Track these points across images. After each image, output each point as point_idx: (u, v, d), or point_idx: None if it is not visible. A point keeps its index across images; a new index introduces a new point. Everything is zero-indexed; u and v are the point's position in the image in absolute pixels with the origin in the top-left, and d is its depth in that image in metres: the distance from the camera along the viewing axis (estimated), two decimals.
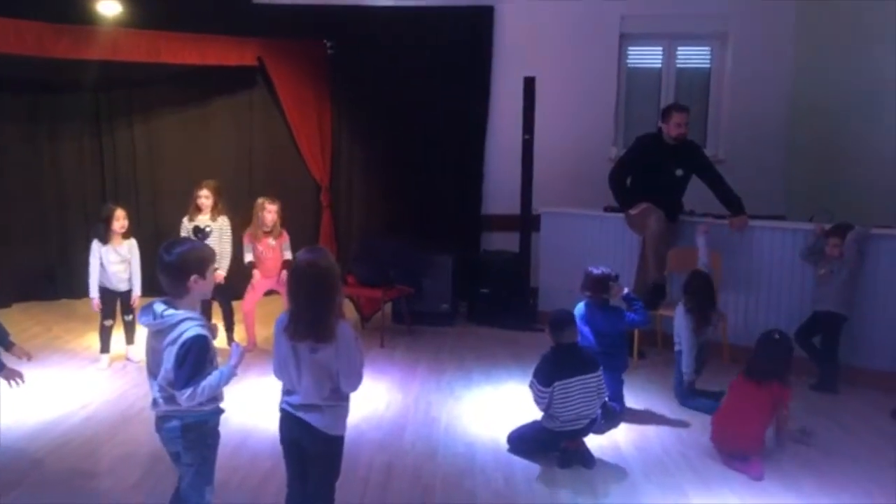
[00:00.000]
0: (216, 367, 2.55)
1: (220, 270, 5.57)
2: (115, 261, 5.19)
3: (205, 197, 5.51)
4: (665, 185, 5.45)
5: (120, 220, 5.18)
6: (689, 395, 4.51)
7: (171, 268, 2.52)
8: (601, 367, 3.84)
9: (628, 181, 5.56)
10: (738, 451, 3.71)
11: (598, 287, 4.34)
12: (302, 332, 2.49)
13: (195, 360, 2.47)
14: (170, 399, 2.53)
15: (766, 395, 3.74)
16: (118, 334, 5.32)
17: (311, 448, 2.55)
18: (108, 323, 5.28)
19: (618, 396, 4.36)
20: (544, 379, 3.70)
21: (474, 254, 7.01)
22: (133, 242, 5.32)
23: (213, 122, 7.25)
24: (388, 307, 6.27)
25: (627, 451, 3.90)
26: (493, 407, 4.50)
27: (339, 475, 2.62)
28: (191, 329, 2.49)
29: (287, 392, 2.59)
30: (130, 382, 4.89)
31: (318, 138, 7.25)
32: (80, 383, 4.86)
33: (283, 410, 2.60)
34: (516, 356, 5.51)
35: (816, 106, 6.74)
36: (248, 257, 5.61)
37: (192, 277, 2.54)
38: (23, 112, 6.85)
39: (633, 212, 5.34)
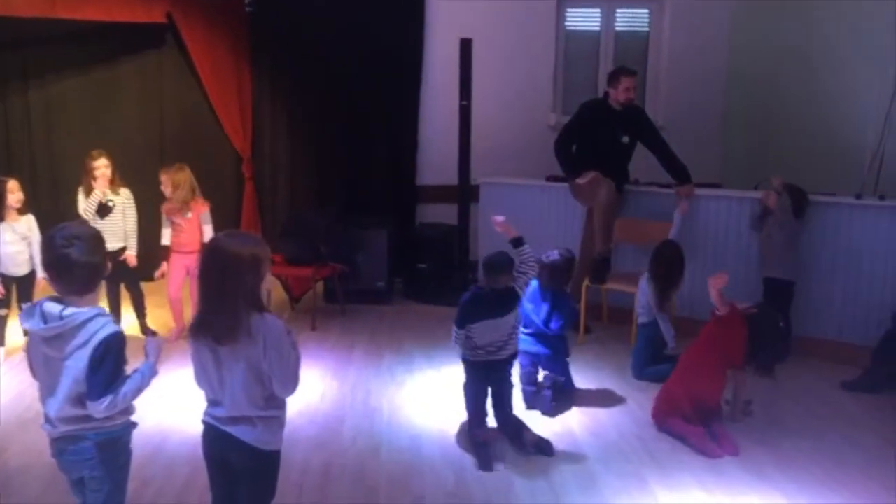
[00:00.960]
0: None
1: (130, 251, 5.05)
2: (11, 240, 4.61)
3: (104, 167, 4.91)
4: (611, 153, 5.23)
5: (15, 194, 4.61)
6: (649, 364, 4.38)
7: (79, 264, 2.09)
8: (519, 303, 3.58)
9: (573, 148, 5.30)
10: (697, 411, 3.59)
11: (560, 276, 4.10)
12: (204, 329, 2.10)
13: (114, 363, 2.11)
14: (78, 418, 2.12)
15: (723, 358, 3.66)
16: (14, 324, 4.74)
17: (241, 466, 2.17)
18: (2, 313, 4.70)
19: (567, 377, 4.16)
20: (460, 321, 3.50)
21: (410, 227, 6.65)
22: (31, 219, 4.74)
23: (119, 85, 6.57)
24: (319, 286, 5.87)
25: (583, 438, 3.68)
26: (437, 393, 4.21)
27: (274, 496, 2.26)
28: (104, 327, 2.11)
29: (211, 403, 2.20)
30: (29, 380, 4.32)
31: (237, 105, 6.67)
32: None
33: (206, 424, 2.21)
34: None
35: (753, 72, 6.66)
36: (166, 236, 5.08)
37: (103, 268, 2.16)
38: None
39: (581, 181, 5.09)
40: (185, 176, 4.98)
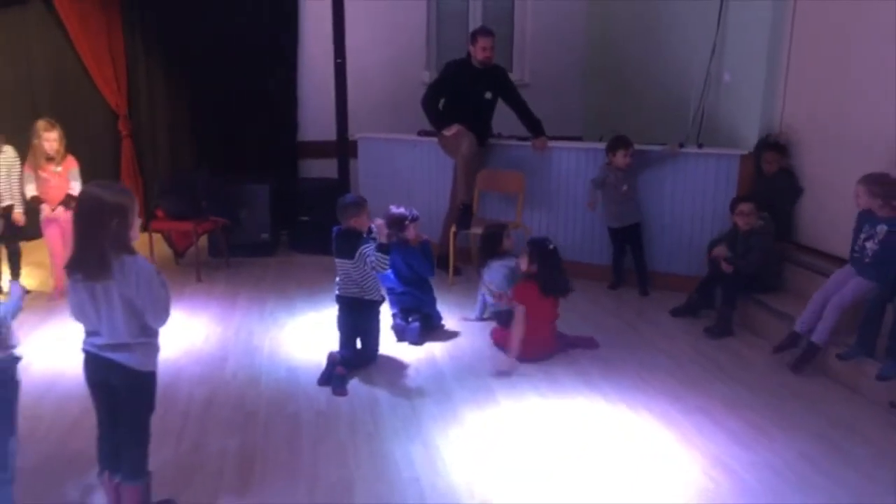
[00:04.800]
0: None
1: (18, 209, 5.06)
2: None
3: None
4: (475, 109, 5.68)
5: None
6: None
7: None
8: (358, 257, 3.96)
9: (441, 105, 5.71)
10: (541, 356, 4.13)
11: (394, 225, 4.40)
12: (76, 267, 2.39)
13: None
14: None
15: (552, 300, 4.20)
16: None
17: (122, 386, 2.48)
18: None
19: (434, 312, 4.65)
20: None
21: (292, 182, 6.91)
22: None
23: None
24: (203, 241, 6.06)
25: (442, 361, 4.19)
26: (316, 331, 4.60)
27: (153, 410, 2.60)
28: None
29: (90, 333, 2.49)
30: None
31: (109, 61, 6.67)
32: None
33: (86, 352, 2.50)
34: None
35: (607, 34, 7.28)
36: (31, 189, 5.10)
37: None
38: None
39: (447, 133, 5.53)
40: (60, 131, 5.02)
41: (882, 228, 3.81)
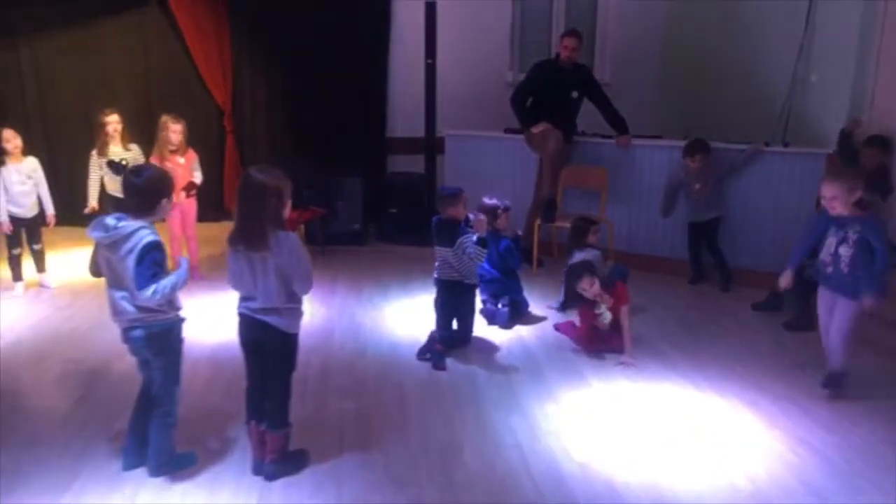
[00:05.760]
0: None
1: None
2: (18, 180, 5.13)
3: (116, 123, 5.39)
4: (561, 107, 5.92)
5: (11, 141, 5.08)
6: None
7: (136, 191, 2.77)
8: (457, 247, 4.19)
9: (529, 103, 5.97)
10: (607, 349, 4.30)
11: (487, 215, 4.61)
12: (239, 239, 2.76)
13: (154, 262, 2.74)
14: (138, 308, 2.77)
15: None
16: (27, 263, 5.30)
17: (271, 346, 2.86)
18: (16, 251, 5.24)
19: (522, 298, 4.93)
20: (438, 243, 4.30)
21: (381, 176, 7.29)
22: (35, 161, 5.23)
23: (105, 43, 7.02)
24: (300, 230, 6.49)
25: (532, 343, 4.46)
26: (412, 315, 4.93)
27: (295, 368, 2.96)
28: (147, 236, 2.75)
29: (245, 298, 2.87)
30: (53, 306, 4.95)
31: (218, 62, 7.17)
32: None
33: (242, 315, 2.89)
34: (429, 271, 5.92)
35: (687, 33, 7.39)
36: None
37: (164, 201, 2.83)
38: None
39: (534, 130, 5.79)
40: (184, 125, 5.49)
41: (856, 228, 3.51)
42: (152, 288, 2.72)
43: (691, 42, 7.28)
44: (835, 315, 3.66)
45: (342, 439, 3.28)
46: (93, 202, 5.42)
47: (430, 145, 6.90)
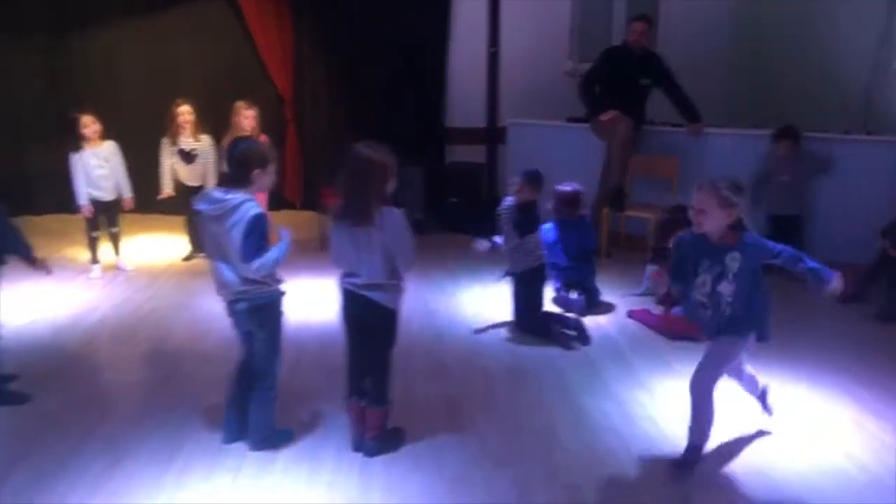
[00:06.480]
0: None
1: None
2: (97, 164, 5.21)
3: (188, 113, 5.45)
4: (631, 94, 5.84)
5: (90, 126, 5.15)
6: None
7: (239, 163, 2.77)
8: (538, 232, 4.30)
9: (597, 90, 5.89)
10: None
11: (572, 204, 4.66)
12: (344, 216, 2.75)
13: (261, 234, 2.75)
14: (243, 280, 2.78)
15: None
16: (104, 246, 5.40)
17: (374, 321, 2.85)
18: (94, 234, 5.34)
19: (594, 288, 4.86)
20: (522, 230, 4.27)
21: (441, 166, 7.26)
22: (113, 144, 5.31)
23: (170, 32, 7.07)
24: None
25: (612, 331, 4.40)
26: (485, 301, 4.90)
27: (395, 344, 2.95)
28: (253, 209, 2.76)
29: (348, 274, 2.86)
30: (132, 288, 5.02)
31: (279, 50, 7.20)
32: (78, 291, 4.94)
33: (345, 290, 2.88)
34: (494, 261, 5.88)
35: (755, 21, 7.21)
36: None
37: (255, 171, 2.80)
38: None
39: (603, 118, 5.71)
40: (257, 111, 5.55)
41: (735, 257, 2.81)
42: (259, 260, 2.73)
43: (761, 30, 7.10)
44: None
45: (434, 420, 3.26)
46: (167, 189, 5.49)
47: (492, 135, 6.85)
